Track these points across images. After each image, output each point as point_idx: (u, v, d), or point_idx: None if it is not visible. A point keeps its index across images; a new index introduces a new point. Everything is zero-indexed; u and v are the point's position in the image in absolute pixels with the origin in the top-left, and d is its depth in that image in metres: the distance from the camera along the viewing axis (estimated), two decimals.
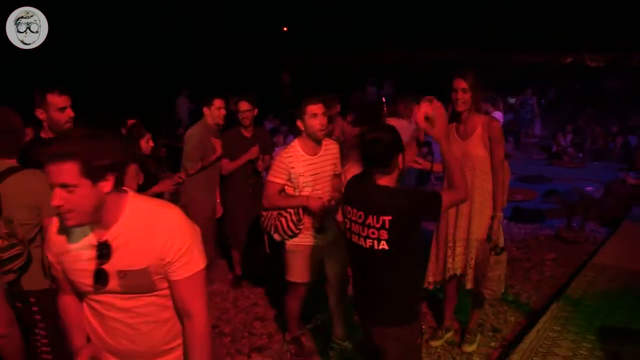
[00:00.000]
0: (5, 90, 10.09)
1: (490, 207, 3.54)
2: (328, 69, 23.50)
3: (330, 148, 3.64)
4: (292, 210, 3.46)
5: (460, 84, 3.40)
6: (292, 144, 3.56)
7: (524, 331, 4.02)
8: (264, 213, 3.61)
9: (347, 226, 2.55)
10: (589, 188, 8.08)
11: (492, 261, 3.48)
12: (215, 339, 4.19)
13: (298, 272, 3.64)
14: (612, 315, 4.09)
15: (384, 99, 7.09)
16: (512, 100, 14.58)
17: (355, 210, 2.48)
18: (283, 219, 3.47)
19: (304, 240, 3.57)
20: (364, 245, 2.46)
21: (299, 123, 3.46)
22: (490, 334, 4.12)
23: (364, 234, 2.45)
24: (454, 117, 3.52)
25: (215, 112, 4.65)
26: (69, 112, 3.02)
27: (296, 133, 3.64)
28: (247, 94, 4.80)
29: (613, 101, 17.64)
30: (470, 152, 3.49)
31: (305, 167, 3.48)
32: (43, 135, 3.07)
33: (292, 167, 3.44)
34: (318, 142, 3.53)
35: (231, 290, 5.02)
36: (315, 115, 3.40)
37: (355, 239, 2.50)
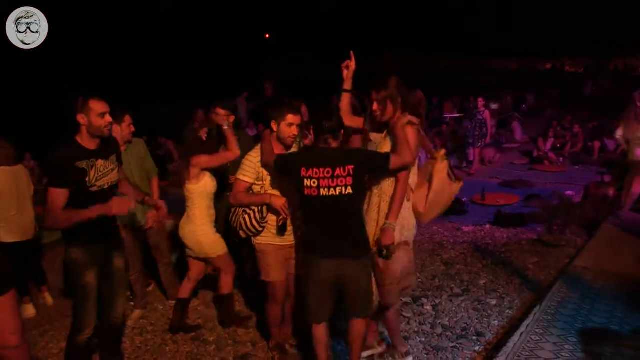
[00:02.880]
0: (6, 90, 9.98)
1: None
2: (311, 75, 23.55)
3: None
4: (255, 209, 3.62)
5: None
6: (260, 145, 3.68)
7: (508, 335, 4.06)
8: (232, 210, 3.75)
9: (315, 185, 3.10)
10: (569, 192, 8.20)
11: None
12: (199, 347, 4.17)
13: (270, 271, 3.72)
14: (592, 317, 4.15)
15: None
16: (493, 107, 14.77)
17: (322, 169, 3.09)
18: (247, 216, 3.63)
19: (272, 240, 3.68)
20: (335, 194, 3.09)
21: (273, 125, 3.57)
22: (475, 338, 4.14)
23: (334, 184, 3.09)
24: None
25: (125, 129, 4.43)
26: (108, 118, 3.23)
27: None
28: (223, 100, 4.81)
29: (591, 106, 17.94)
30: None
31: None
32: (78, 139, 3.19)
33: (263, 168, 3.59)
34: (287, 147, 3.64)
35: (215, 299, 4.99)
36: (292, 125, 3.55)
37: (325, 192, 3.10)
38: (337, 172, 3.08)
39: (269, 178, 3.61)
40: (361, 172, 3.13)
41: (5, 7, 4.08)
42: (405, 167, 3.29)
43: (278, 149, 3.58)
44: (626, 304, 4.35)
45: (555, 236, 6.39)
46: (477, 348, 4.01)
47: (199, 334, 4.37)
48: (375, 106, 3.38)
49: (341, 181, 3.08)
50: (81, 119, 3.14)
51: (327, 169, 3.09)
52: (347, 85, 3.64)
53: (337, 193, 3.08)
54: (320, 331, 3.32)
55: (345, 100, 3.67)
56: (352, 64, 3.60)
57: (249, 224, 3.63)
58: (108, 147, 3.33)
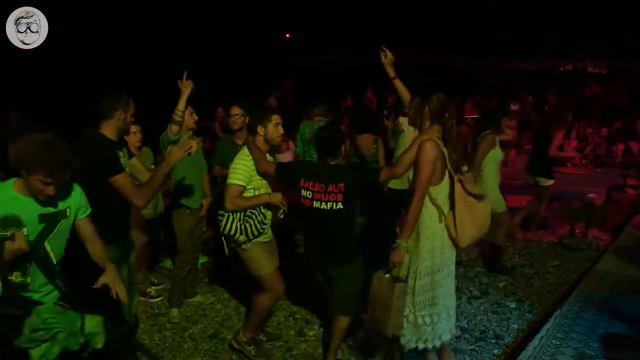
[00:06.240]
0: (6, 90, 10.10)
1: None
2: (333, 74, 23.46)
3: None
4: (255, 212, 3.68)
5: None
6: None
7: (527, 339, 4.02)
8: (221, 217, 3.73)
9: (310, 197, 3.42)
10: (591, 195, 8.07)
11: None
12: (217, 345, 4.19)
13: (261, 265, 3.76)
14: (614, 323, 4.08)
15: (386, 111, 6.82)
16: (514, 107, 14.61)
17: (317, 184, 3.40)
18: (251, 221, 3.67)
19: (257, 238, 3.76)
20: (326, 208, 3.38)
21: (260, 128, 3.70)
22: (493, 341, 4.11)
23: (326, 199, 3.37)
24: None
25: (187, 117, 4.48)
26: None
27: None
28: (240, 100, 4.81)
29: (615, 107, 17.63)
30: None
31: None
32: (104, 132, 3.23)
33: (254, 170, 3.67)
34: (274, 147, 3.83)
35: (233, 297, 5.02)
36: (278, 124, 3.72)
37: (317, 205, 3.40)
38: (330, 188, 3.37)
39: (262, 182, 3.72)
40: (352, 189, 3.38)
41: (5, 7, 4.06)
42: (394, 177, 3.60)
43: (265, 151, 3.74)
44: None
45: (577, 239, 6.31)
46: (496, 351, 3.98)
47: (217, 332, 4.40)
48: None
49: (332, 197, 3.36)
50: (119, 114, 3.19)
51: (321, 185, 3.39)
52: (391, 73, 4.02)
53: (329, 207, 3.38)
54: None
55: (398, 86, 3.96)
56: (388, 54, 4.00)
57: (253, 228, 3.67)
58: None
